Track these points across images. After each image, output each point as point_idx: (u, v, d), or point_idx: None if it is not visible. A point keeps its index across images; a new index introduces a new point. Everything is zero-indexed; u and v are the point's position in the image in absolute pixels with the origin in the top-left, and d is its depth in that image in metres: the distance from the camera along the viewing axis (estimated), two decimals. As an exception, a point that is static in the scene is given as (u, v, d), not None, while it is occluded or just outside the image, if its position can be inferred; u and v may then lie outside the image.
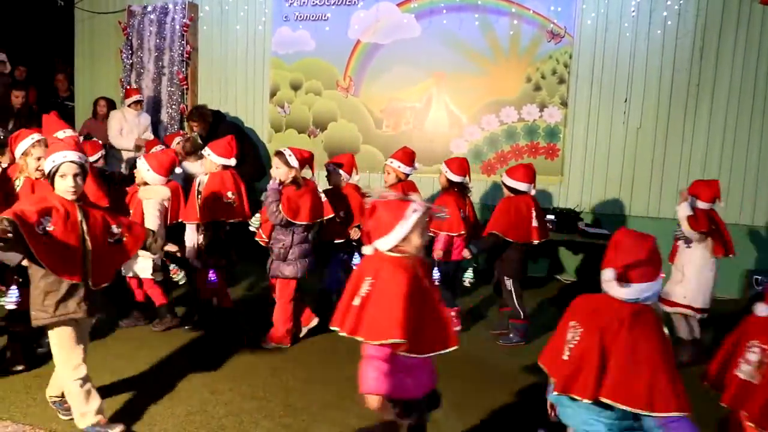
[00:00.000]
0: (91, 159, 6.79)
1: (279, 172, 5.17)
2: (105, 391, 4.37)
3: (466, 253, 5.58)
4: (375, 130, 8.45)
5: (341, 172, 5.88)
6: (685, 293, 5.22)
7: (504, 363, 5.20)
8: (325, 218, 5.42)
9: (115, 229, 3.76)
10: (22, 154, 4.56)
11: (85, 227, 3.59)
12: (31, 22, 10.10)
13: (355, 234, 5.72)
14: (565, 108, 7.72)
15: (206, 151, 5.58)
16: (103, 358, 4.92)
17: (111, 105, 8.87)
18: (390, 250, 2.92)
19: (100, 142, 7.23)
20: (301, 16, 8.56)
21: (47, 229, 3.38)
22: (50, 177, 3.53)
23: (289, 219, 5.05)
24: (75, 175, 3.52)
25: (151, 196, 5.39)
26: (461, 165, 5.77)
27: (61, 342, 3.64)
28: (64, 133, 4.54)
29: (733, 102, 7.15)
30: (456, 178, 5.74)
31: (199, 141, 7.51)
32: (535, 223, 5.60)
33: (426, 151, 7.96)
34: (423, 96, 8.22)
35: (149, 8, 8.97)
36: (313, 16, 8.51)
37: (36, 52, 10.20)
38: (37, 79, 9.92)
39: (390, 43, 8.26)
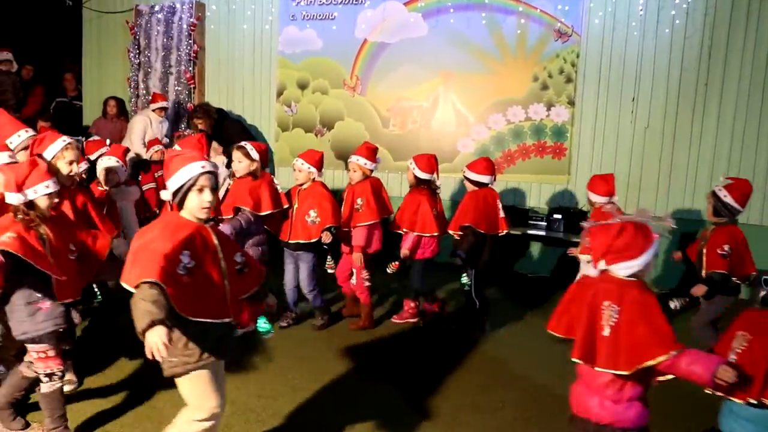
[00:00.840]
0: (92, 157, 6.85)
1: (241, 165, 5.23)
2: (112, 389, 4.39)
3: (456, 261, 5.63)
4: (382, 130, 8.45)
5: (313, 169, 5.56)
6: None
7: (518, 362, 5.19)
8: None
9: (239, 257, 3.16)
10: (52, 158, 4.10)
11: (221, 254, 3.04)
12: (39, 21, 10.12)
13: (326, 237, 5.37)
14: (573, 107, 7.70)
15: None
16: (111, 358, 4.93)
17: (121, 105, 8.89)
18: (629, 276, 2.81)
19: (107, 141, 7.26)
20: (308, 16, 8.57)
21: (188, 266, 2.82)
22: (179, 195, 2.93)
23: (255, 213, 5.13)
24: (212, 189, 2.98)
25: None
26: (429, 162, 5.75)
27: (199, 388, 3.05)
28: (26, 133, 4.31)
29: (742, 101, 7.11)
30: (423, 175, 5.73)
31: None
32: (501, 214, 5.68)
33: (433, 151, 7.87)
34: (430, 95, 8.22)
35: (156, 8, 8.99)
36: (320, 16, 8.52)
37: (44, 51, 10.22)
38: (45, 79, 9.95)
39: (397, 42, 8.25)
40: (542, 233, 7.46)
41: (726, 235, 4.73)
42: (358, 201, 5.60)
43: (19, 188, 3.34)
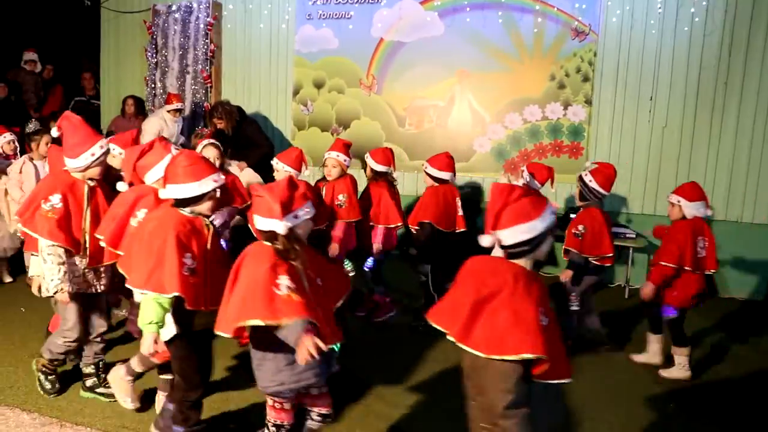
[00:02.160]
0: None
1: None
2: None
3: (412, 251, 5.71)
4: (398, 129, 8.44)
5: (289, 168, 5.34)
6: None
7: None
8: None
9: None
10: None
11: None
12: (58, 21, 10.21)
13: None
14: (590, 106, 7.66)
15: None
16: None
17: (139, 104, 8.94)
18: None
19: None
20: (324, 15, 8.58)
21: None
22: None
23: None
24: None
25: None
26: (385, 154, 5.75)
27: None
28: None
29: (763, 100, 7.03)
30: (380, 168, 5.70)
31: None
32: (460, 212, 5.69)
33: (449, 150, 7.89)
34: (446, 94, 8.20)
35: (174, 7, 9.04)
36: (336, 15, 8.52)
37: (63, 51, 10.31)
38: (64, 78, 10.03)
39: (413, 41, 8.24)
40: (558, 233, 7.40)
41: (583, 216, 5.09)
42: (340, 197, 5.49)
43: (286, 212, 2.89)
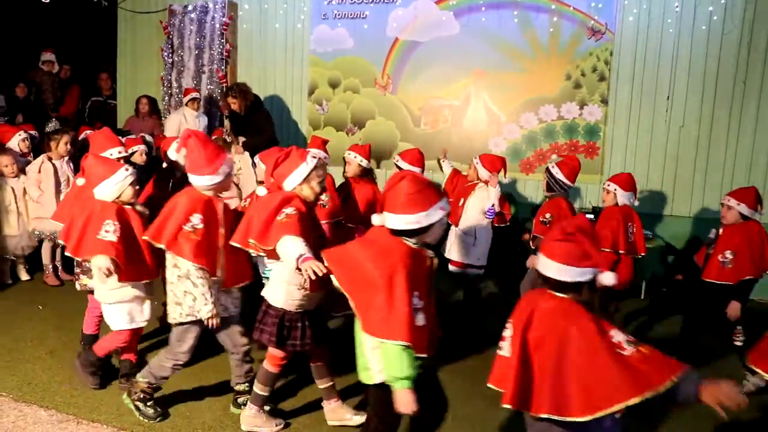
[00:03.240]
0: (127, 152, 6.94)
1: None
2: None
3: None
4: (413, 128, 8.43)
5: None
6: (479, 255, 5.65)
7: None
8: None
9: None
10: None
11: None
12: (75, 22, 10.28)
13: None
14: (606, 106, 7.62)
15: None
16: (144, 353, 4.99)
17: (152, 103, 8.99)
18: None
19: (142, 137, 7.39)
20: (339, 14, 8.58)
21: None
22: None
23: None
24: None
25: None
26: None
27: None
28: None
29: (782, 99, 6.99)
30: (367, 164, 5.80)
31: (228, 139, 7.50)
32: None
33: (464, 150, 7.93)
34: (461, 94, 8.18)
35: (190, 7, 9.07)
36: (351, 14, 8.53)
37: (80, 51, 10.38)
38: (80, 78, 10.10)
39: (428, 40, 8.23)
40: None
41: (551, 205, 5.26)
42: (323, 197, 5.45)
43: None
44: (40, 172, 6.44)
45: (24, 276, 6.75)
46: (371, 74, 8.54)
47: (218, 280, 3.80)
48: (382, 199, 3.02)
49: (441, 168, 6.52)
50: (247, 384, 4.09)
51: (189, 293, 3.69)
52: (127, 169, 4.01)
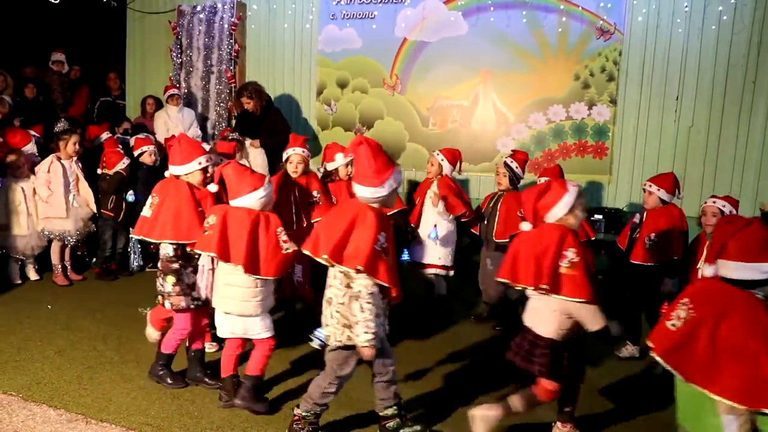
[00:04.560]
0: (136, 153, 7.00)
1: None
2: (153, 386, 4.44)
3: None
4: (421, 128, 8.43)
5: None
6: (440, 255, 5.83)
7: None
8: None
9: None
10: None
11: None
12: (84, 22, 10.31)
13: None
14: (615, 106, 7.59)
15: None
16: (153, 352, 5.00)
17: (159, 103, 9.03)
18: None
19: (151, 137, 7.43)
20: (348, 15, 8.59)
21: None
22: None
23: None
24: None
25: None
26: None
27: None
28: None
29: (792, 99, 6.95)
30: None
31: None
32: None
33: (472, 150, 7.92)
34: (470, 94, 8.17)
35: (198, 8, 9.10)
36: (359, 14, 8.53)
37: (89, 51, 10.41)
38: (90, 79, 10.13)
39: (437, 40, 8.22)
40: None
41: (517, 200, 5.50)
42: (315, 194, 5.53)
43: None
44: (49, 172, 6.46)
45: (33, 276, 6.77)
46: (380, 74, 8.54)
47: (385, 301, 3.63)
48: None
49: None
50: (395, 407, 3.82)
51: (350, 315, 3.47)
52: (270, 182, 4.05)
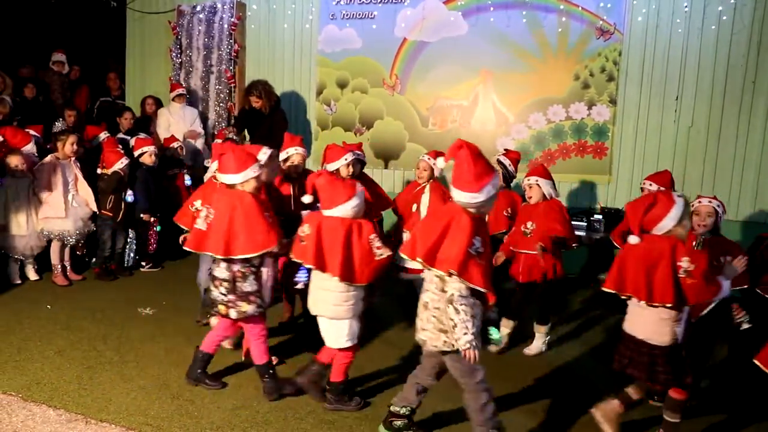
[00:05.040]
0: (136, 153, 7.01)
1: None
2: (153, 386, 4.44)
3: None
4: (421, 129, 8.43)
5: None
6: None
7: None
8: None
9: None
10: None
11: None
12: (84, 22, 10.32)
13: None
14: (614, 106, 7.59)
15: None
16: (152, 352, 5.01)
17: (158, 103, 9.04)
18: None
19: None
20: (347, 15, 8.59)
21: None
22: None
23: None
24: None
25: None
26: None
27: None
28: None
29: (791, 99, 6.95)
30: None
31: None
32: None
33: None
34: (469, 94, 8.17)
35: (198, 8, 9.09)
36: (359, 15, 8.53)
37: (89, 51, 10.41)
38: (89, 79, 10.13)
39: (436, 41, 8.22)
40: (582, 233, 7.32)
41: (508, 199, 5.74)
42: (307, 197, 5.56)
43: None
44: (48, 172, 6.46)
45: (33, 276, 6.77)
46: (379, 74, 8.54)
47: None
48: None
49: None
50: (409, 410, 3.86)
51: (447, 318, 3.42)
52: (362, 189, 4.08)
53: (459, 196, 3.45)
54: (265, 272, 4.28)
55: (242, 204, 4.12)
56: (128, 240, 7.09)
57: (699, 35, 7.18)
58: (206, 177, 5.67)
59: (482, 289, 3.36)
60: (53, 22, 10.01)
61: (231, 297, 4.17)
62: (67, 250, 6.78)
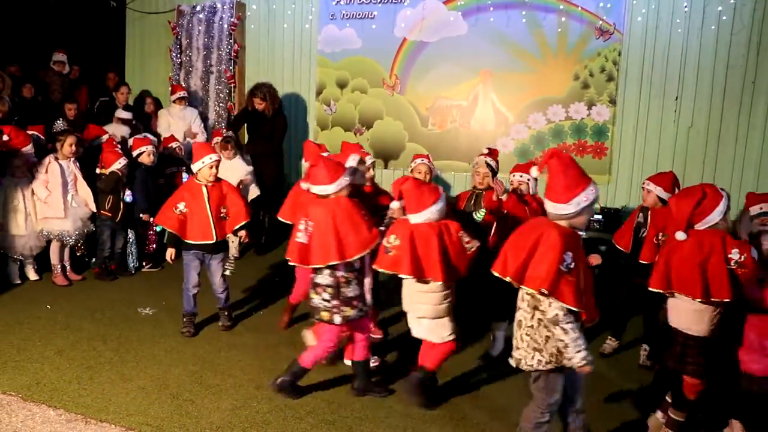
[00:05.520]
0: (135, 153, 7.00)
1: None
2: (152, 386, 4.44)
3: None
4: (421, 129, 8.43)
5: None
6: None
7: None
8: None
9: None
10: None
11: None
12: (83, 22, 10.31)
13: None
14: (614, 106, 7.60)
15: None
16: (152, 352, 5.01)
17: (156, 103, 9.04)
18: None
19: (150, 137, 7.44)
20: (347, 15, 8.59)
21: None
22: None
23: None
24: None
25: None
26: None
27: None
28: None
29: (791, 100, 6.95)
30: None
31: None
32: None
33: (472, 151, 7.90)
34: (469, 94, 8.17)
35: (198, 8, 9.10)
36: (359, 15, 8.53)
37: (89, 51, 10.41)
38: (89, 78, 10.12)
39: (436, 41, 8.23)
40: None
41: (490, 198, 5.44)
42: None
43: None
44: (47, 172, 6.45)
45: (33, 276, 6.76)
46: (379, 74, 8.54)
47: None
48: None
49: None
50: None
51: (556, 340, 3.24)
52: (444, 191, 4.14)
53: (548, 207, 3.34)
54: (368, 280, 4.31)
55: (341, 209, 4.17)
56: (128, 240, 7.08)
57: (699, 35, 7.19)
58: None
59: (574, 308, 3.19)
60: (53, 22, 10.00)
61: (335, 302, 4.18)
62: (66, 250, 6.77)
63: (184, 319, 5.44)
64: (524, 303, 3.37)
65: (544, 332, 3.27)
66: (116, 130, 7.89)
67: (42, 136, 7.06)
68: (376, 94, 8.60)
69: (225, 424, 3.97)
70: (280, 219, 5.42)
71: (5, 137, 6.41)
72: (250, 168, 7.50)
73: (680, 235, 3.57)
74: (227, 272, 6.47)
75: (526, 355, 3.35)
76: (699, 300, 3.51)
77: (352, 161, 4.68)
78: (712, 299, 3.48)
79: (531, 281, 3.21)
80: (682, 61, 7.27)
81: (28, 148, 6.68)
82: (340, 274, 4.16)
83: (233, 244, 7.43)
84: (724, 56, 7.12)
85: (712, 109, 7.24)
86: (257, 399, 4.30)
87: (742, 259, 3.43)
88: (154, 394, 4.33)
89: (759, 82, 7.01)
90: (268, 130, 7.85)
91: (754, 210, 4.95)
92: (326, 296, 4.18)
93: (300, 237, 4.23)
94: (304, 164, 5.91)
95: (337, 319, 4.17)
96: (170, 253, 5.33)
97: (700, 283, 3.48)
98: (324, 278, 4.19)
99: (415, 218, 4.01)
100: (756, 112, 7.06)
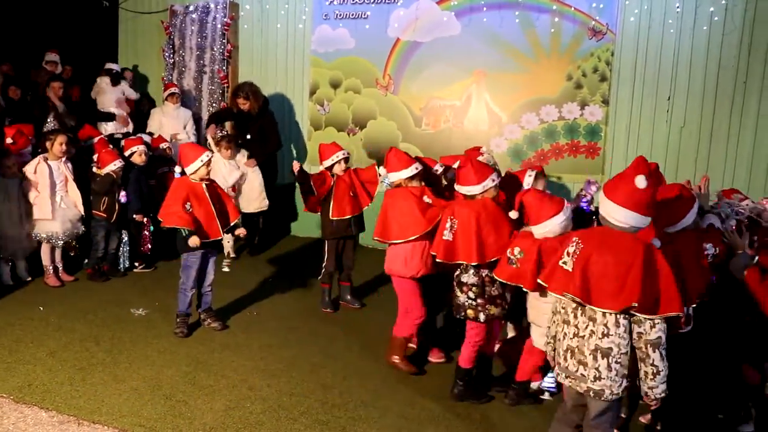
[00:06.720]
0: (127, 153, 6.99)
1: None
2: (145, 387, 4.43)
3: None
4: (414, 129, 8.43)
5: None
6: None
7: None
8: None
9: None
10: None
11: None
12: (76, 22, 10.28)
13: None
14: (607, 106, 7.61)
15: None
16: (145, 353, 5.00)
17: (151, 103, 9.02)
18: None
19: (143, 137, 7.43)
20: (340, 15, 8.58)
21: None
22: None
23: None
24: None
25: None
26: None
27: None
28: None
29: (782, 99, 6.97)
30: None
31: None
32: None
33: (465, 150, 7.91)
34: (462, 94, 8.18)
35: (191, 8, 9.08)
36: (352, 15, 8.53)
37: (82, 51, 10.37)
38: (82, 79, 10.09)
39: (429, 41, 8.23)
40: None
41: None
42: None
43: None
44: (35, 173, 6.40)
45: (25, 277, 6.73)
46: (372, 74, 8.54)
47: None
48: None
49: None
50: None
51: (649, 365, 3.00)
52: (569, 205, 4.12)
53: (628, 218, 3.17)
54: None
55: (487, 211, 4.26)
56: (122, 241, 7.06)
57: (691, 36, 7.21)
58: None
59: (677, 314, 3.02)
60: (45, 22, 9.96)
61: (480, 301, 4.25)
62: (58, 252, 6.73)
63: (178, 320, 5.43)
64: (620, 329, 3.02)
65: (628, 357, 3.07)
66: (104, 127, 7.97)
67: (31, 137, 7.03)
68: (370, 94, 8.60)
69: (218, 425, 3.97)
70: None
71: (9, 140, 6.39)
72: (242, 171, 7.54)
73: (656, 242, 3.24)
74: (225, 269, 6.58)
75: (612, 384, 3.05)
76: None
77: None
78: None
79: (669, 308, 2.97)
80: (674, 61, 7.30)
81: (26, 149, 6.68)
82: (484, 273, 4.23)
83: (228, 243, 7.44)
84: (715, 56, 7.14)
85: (704, 108, 7.26)
86: (250, 399, 4.30)
87: (716, 251, 3.53)
88: (147, 395, 4.32)
89: (750, 82, 7.04)
90: (258, 129, 7.82)
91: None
92: (471, 295, 4.27)
93: (446, 234, 4.33)
94: (321, 166, 5.98)
95: (482, 317, 4.25)
96: (195, 240, 5.11)
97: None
98: (469, 277, 4.27)
99: (535, 230, 3.99)
100: (747, 111, 7.09)
